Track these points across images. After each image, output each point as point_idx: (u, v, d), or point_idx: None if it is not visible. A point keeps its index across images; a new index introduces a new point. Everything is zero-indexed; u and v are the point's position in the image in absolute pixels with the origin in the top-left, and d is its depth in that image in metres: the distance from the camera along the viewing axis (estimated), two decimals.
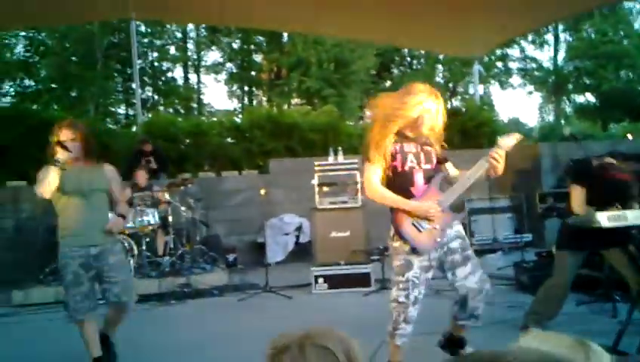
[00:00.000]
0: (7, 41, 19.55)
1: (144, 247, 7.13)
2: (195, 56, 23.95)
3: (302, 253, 8.46)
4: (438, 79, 24.47)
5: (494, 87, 25.68)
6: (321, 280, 6.36)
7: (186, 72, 23.97)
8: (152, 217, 7.17)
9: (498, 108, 25.06)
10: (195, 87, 24.07)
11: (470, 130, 11.22)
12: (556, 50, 24.16)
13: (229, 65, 23.76)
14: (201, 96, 24.38)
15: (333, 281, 6.35)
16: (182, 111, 22.58)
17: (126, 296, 3.79)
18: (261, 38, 22.10)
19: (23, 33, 19.43)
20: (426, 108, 3.09)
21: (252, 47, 22.99)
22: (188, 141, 10.82)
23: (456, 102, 22.66)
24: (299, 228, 8.80)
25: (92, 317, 3.73)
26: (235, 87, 24.26)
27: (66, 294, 3.69)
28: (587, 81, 23.29)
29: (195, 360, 4.21)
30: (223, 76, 23.81)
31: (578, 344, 0.85)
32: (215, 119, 15.14)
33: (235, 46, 23.29)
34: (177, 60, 23.23)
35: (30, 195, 3.77)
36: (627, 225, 3.63)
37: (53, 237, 3.80)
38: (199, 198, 8.24)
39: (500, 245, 8.13)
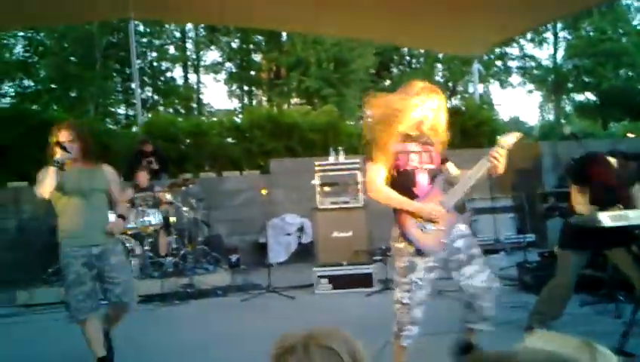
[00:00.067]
0: (6, 42, 19.52)
1: (147, 248, 7.14)
2: (194, 56, 23.93)
3: (304, 253, 8.47)
4: (438, 78, 24.45)
5: (494, 86, 25.70)
6: (323, 280, 6.37)
7: (185, 72, 23.95)
8: (154, 217, 7.18)
9: (498, 107, 25.01)
10: (195, 86, 24.06)
11: (470, 130, 11.22)
12: (555, 49, 24.18)
13: (228, 64, 23.74)
14: (201, 96, 24.38)
15: (336, 282, 6.36)
16: (182, 111, 22.56)
17: (127, 296, 3.82)
18: (260, 37, 22.07)
19: (22, 33, 19.40)
20: (428, 107, 3.08)
21: (251, 46, 22.97)
22: (188, 141, 10.81)
23: (455, 102, 22.65)
24: (301, 229, 8.81)
25: (95, 317, 3.73)
26: (234, 87, 24.24)
27: (67, 294, 3.69)
28: (587, 80, 23.29)
29: (198, 361, 4.21)
30: (222, 76, 23.81)
31: (584, 345, 0.85)
32: (215, 119, 15.13)
33: (234, 45, 23.26)
34: (176, 60, 23.19)
35: (31, 196, 3.77)
36: (630, 225, 3.62)
37: (55, 237, 3.82)
38: (201, 198, 8.24)
39: (503, 245, 8.12)
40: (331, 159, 7.24)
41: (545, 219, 8.04)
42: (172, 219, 7.55)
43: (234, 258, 8.12)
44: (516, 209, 8.78)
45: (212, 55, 24.41)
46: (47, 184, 3.54)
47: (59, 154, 3.57)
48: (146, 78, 21.59)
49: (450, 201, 3.08)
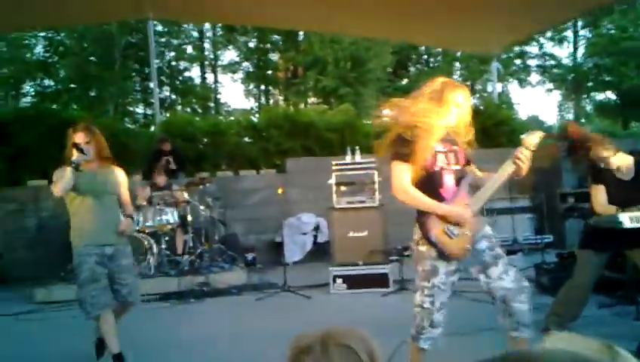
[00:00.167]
0: (26, 42, 19.82)
1: (163, 246, 7.21)
2: (212, 56, 24.08)
3: (320, 252, 8.47)
4: (456, 77, 24.30)
5: (513, 85, 25.45)
6: (339, 280, 6.36)
7: (203, 72, 24.11)
8: (171, 216, 7.24)
9: (517, 107, 24.74)
10: (212, 86, 24.21)
11: (489, 129, 11.10)
12: (575, 47, 23.86)
13: (245, 64, 23.84)
14: (218, 96, 24.54)
15: (352, 281, 6.34)
16: (199, 110, 22.73)
17: (132, 296, 3.98)
18: (277, 36, 22.12)
19: (43, 34, 19.69)
20: (459, 113, 2.97)
21: (268, 46, 23.03)
22: (206, 140, 10.88)
23: (474, 101, 22.47)
24: (316, 228, 8.81)
25: (109, 312, 3.80)
26: (251, 86, 24.34)
27: (81, 291, 3.77)
28: (607, 79, 22.95)
29: (212, 359, 4.23)
30: (239, 75, 23.92)
31: (605, 347, 0.83)
32: (232, 118, 15.20)
33: (251, 45, 23.35)
34: (194, 60, 23.36)
35: (51, 194, 3.88)
36: None
37: None
38: (218, 197, 8.29)
39: (520, 246, 8.03)
40: (348, 158, 7.21)
41: (563, 219, 7.94)
42: (189, 218, 7.60)
43: (250, 257, 8.15)
44: (534, 209, 8.68)
45: (229, 54, 24.55)
46: (63, 183, 3.66)
47: (75, 155, 3.68)
48: (164, 78, 21.77)
49: (476, 205, 2.99)
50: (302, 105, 18.70)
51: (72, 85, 20.55)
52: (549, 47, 24.38)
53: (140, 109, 22.83)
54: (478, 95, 24.01)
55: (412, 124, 2.92)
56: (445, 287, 2.99)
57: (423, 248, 3.00)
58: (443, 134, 2.98)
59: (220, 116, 20.25)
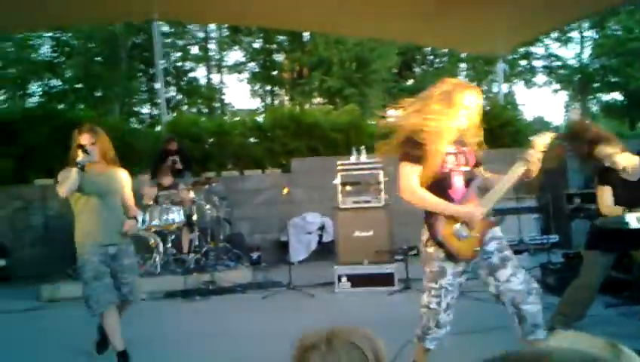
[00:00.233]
0: (33, 42, 19.92)
1: (169, 245, 7.24)
2: (217, 56, 24.12)
3: (325, 252, 8.47)
4: (462, 78, 24.27)
5: (518, 86, 25.38)
6: (344, 279, 6.36)
7: (208, 72, 24.16)
8: (177, 215, 7.26)
9: (523, 107, 24.65)
10: (218, 86, 24.26)
11: (494, 130, 11.09)
12: (582, 48, 23.79)
13: (250, 64, 23.88)
14: (224, 96, 24.57)
15: (357, 281, 6.34)
16: (205, 110, 22.77)
17: (133, 295, 4.05)
18: (282, 37, 22.15)
19: (49, 34, 19.78)
20: (469, 115, 2.94)
21: (274, 46, 23.06)
22: (211, 140, 10.91)
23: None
24: (322, 228, 8.82)
25: (113, 309, 3.86)
26: (257, 87, 24.37)
27: (87, 288, 3.82)
28: (614, 79, 22.87)
29: (218, 356, 4.24)
30: (245, 76, 23.95)
31: (609, 346, 0.84)
32: (238, 119, 15.23)
33: (256, 46, 23.38)
34: (200, 60, 23.43)
35: (57, 194, 3.92)
36: None
37: None
38: (223, 197, 8.31)
39: (526, 246, 8.00)
40: (353, 158, 7.21)
41: (570, 220, 7.92)
42: (195, 217, 7.63)
43: (255, 255, 8.17)
44: (541, 209, 8.66)
45: (235, 55, 24.58)
46: (68, 184, 3.72)
47: (80, 156, 3.74)
48: (169, 78, 21.84)
49: (485, 207, 2.95)
50: (307, 106, 18.70)
51: (79, 85, 20.65)
52: (555, 47, 24.34)
53: (145, 109, 22.92)
54: (483, 96, 23.92)
55: (421, 126, 2.90)
56: (452, 288, 2.98)
57: (431, 249, 2.99)
58: (453, 136, 2.95)
59: (225, 116, 20.31)
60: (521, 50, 22.47)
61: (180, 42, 22.74)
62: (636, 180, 3.85)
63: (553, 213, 8.49)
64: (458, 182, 2.98)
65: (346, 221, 6.73)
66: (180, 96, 23.11)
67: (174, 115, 17.84)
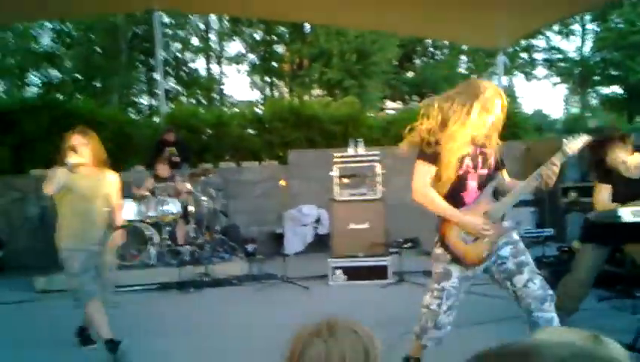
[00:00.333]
0: (33, 32, 19.87)
1: (165, 236, 7.24)
2: (217, 47, 24.06)
3: (320, 244, 8.48)
4: (462, 70, 24.19)
5: (519, 79, 25.33)
6: (338, 271, 6.37)
7: (208, 63, 24.12)
8: (173, 206, 7.27)
9: (523, 100, 24.57)
10: (217, 77, 24.20)
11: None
12: (583, 41, 23.69)
13: (251, 56, 23.82)
14: (223, 87, 24.53)
15: (351, 273, 6.36)
16: (204, 102, 22.74)
17: (107, 290, 4.18)
18: (283, 29, 22.07)
19: (49, 24, 19.73)
20: (490, 119, 2.87)
21: (274, 38, 22.99)
22: (210, 132, 10.90)
23: None
24: (317, 220, 8.82)
25: (98, 300, 3.95)
26: (256, 78, 24.32)
27: (74, 280, 3.93)
28: (614, 73, 22.79)
29: (212, 348, 4.25)
30: (244, 67, 23.91)
31: (591, 336, 0.84)
32: (237, 110, 15.22)
33: (257, 37, 23.31)
34: (200, 51, 23.37)
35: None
36: None
37: None
38: (220, 188, 8.31)
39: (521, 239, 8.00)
40: (350, 151, 7.20)
41: (565, 213, 7.92)
42: (191, 209, 7.63)
43: (250, 247, 8.18)
44: (536, 203, 8.66)
45: (235, 46, 24.59)
46: (55, 183, 3.80)
47: (71, 156, 3.83)
48: (169, 69, 21.80)
49: (498, 212, 2.89)
50: (306, 97, 18.66)
51: (78, 76, 20.62)
52: (557, 40, 24.25)
53: (144, 100, 22.89)
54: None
55: (435, 130, 2.86)
56: (456, 291, 2.96)
57: (439, 251, 2.98)
58: (469, 139, 2.88)
59: (224, 108, 20.28)
60: (522, 42, 22.40)
61: (181, 33, 22.69)
62: (638, 178, 3.85)
63: (549, 206, 8.49)
64: (472, 184, 2.92)
65: (341, 213, 6.73)
66: (179, 87, 23.08)
67: (173, 105, 17.83)
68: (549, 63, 24.57)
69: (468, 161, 2.89)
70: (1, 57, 19.51)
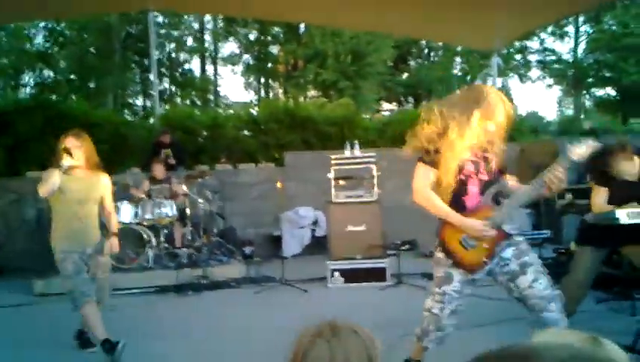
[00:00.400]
0: (26, 32, 19.76)
1: (162, 239, 7.23)
2: (212, 48, 24.01)
3: (318, 246, 8.48)
4: (456, 71, 24.26)
5: (513, 80, 25.40)
6: (336, 273, 6.37)
7: (202, 64, 24.06)
8: (169, 209, 7.25)
9: (516, 102, 24.63)
10: (212, 78, 24.16)
11: None
12: (577, 43, 23.81)
13: (245, 56, 23.79)
14: (218, 88, 24.49)
15: (349, 275, 6.36)
16: (199, 102, 22.69)
17: (104, 293, 4.21)
18: (278, 29, 22.06)
19: (43, 24, 19.62)
20: (492, 128, 2.85)
21: (269, 38, 22.98)
22: (205, 133, 10.88)
23: None
24: (315, 222, 8.82)
25: (93, 301, 3.95)
26: (251, 79, 24.30)
27: (69, 282, 3.94)
28: (607, 75, 22.91)
29: (210, 351, 4.25)
30: (239, 68, 23.87)
31: (590, 338, 0.85)
32: (232, 112, 15.21)
33: (251, 37, 23.29)
34: (194, 52, 23.31)
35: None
36: None
37: None
38: (216, 191, 8.29)
39: None
40: (347, 153, 7.21)
41: (561, 215, 7.96)
42: (188, 211, 7.62)
43: (248, 250, 8.17)
44: (532, 205, 8.68)
45: (230, 47, 24.53)
46: (49, 185, 3.81)
47: (65, 159, 3.84)
48: (163, 70, 21.73)
49: (500, 217, 2.85)
50: (301, 99, 18.67)
51: (72, 76, 20.53)
52: (550, 42, 24.36)
53: (139, 101, 22.82)
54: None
55: (434, 138, 2.86)
56: (458, 296, 2.96)
57: (440, 254, 2.98)
58: (469, 146, 2.86)
59: (219, 109, 20.25)
60: (516, 44, 22.49)
61: (175, 33, 22.62)
62: (635, 180, 3.87)
63: (545, 208, 8.53)
64: (473, 189, 2.91)
65: (338, 215, 6.74)
66: (173, 88, 23.02)
67: (168, 107, 17.78)
68: (543, 65, 24.68)
69: (469, 166, 2.89)
70: None
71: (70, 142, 3.94)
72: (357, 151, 7.18)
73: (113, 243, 4.22)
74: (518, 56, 24.52)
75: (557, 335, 0.93)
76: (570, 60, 24.01)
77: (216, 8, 14.05)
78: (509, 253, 2.90)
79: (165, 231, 7.31)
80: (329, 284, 6.35)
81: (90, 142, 4.08)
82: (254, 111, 14.70)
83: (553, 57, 24.40)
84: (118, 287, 5.78)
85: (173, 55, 23.02)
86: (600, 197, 3.95)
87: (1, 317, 5.67)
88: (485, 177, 2.92)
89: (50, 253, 4.04)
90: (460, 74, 24.12)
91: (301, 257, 8.51)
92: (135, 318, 5.28)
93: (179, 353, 4.21)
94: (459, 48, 22.23)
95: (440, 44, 22.85)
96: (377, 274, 6.31)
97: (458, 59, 24.45)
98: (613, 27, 22.24)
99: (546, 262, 5.77)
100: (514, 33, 12.13)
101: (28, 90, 20.42)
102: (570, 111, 26.14)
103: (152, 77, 13.35)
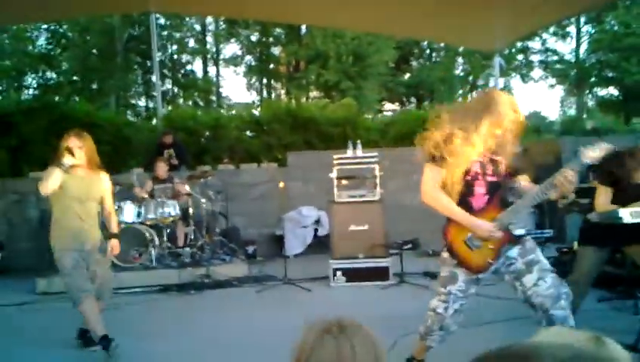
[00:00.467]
0: (29, 34, 19.81)
1: (165, 238, 7.24)
2: (214, 49, 24.05)
3: (320, 245, 8.48)
4: (458, 72, 24.25)
5: (515, 80, 25.38)
6: (339, 273, 6.37)
7: (205, 65, 24.09)
8: (172, 209, 7.26)
9: (518, 102, 24.56)
10: (214, 79, 24.19)
11: None
12: (578, 43, 23.78)
13: (247, 57, 23.82)
14: (220, 89, 24.52)
15: (352, 274, 6.36)
16: (201, 103, 22.71)
17: (105, 289, 4.21)
18: (280, 30, 22.08)
19: (45, 26, 19.68)
20: (508, 133, 2.84)
21: (271, 39, 22.99)
22: (207, 134, 10.90)
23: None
24: (317, 221, 8.82)
25: (93, 297, 3.98)
26: (253, 80, 24.32)
27: (67, 278, 3.97)
28: (610, 74, 22.87)
29: (213, 350, 4.25)
30: (241, 69, 23.91)
31: (593, 337, 0.85)
32: (234, 112, 15.23)
33: (253, 38, 23.31)
34: (196, 53, 23.34)
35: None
36: None
37: None
38: (219, 191, 8.30)
39: None
40: (349, 152, 7.21)
41: (564, 214, 7.95)
42: (190, 211, 7.63)
43: (250, 249, 8.18)
44: (536, 204, 8.68)
45: (232, 48, 24.52)
46: (50, 183, 3.86)
47: (66, 158, 3.89)
48: (166, 71, 21.75)
49: (507, 219, 2.85)
50: (303, 99, 18.68)
51: (75, 78, 20.56)
52: (552, 42, 24.33)
53: (141, 102, 22.85)
54: (480, 90, 23.94)
55: (441, 145, 2.85)
56: (463, 295, 2.97)
57: (446, 254, 3.00)
58: (481, 147, 2.85)
59: (221, 109, 20.28)
60: (518, 44, 22.46)
61: (177, 35, 22.64)
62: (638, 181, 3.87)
63: (548, 207, 8.51)
64: (480, 190, 2.91)
65: (341, 215, 6.74)
66: (176, 89, 23.05)
67: (170, 107, 17.80)
68: (545, 65, 24.65)
69: (476, 168, 2.89)
70: None
71: (72, 141, 3.98)
72: (359, 151, 7.18)
73: (114, 245, 4.25)
74: (520, 57, 24.50)
75: (559, 334, 0.93)
76: (573, 60, 23.98)
77: (218, 10, 14.07)
78: (514, 251, 2.90)
79: (168, 230, 7.32)
80: (331, 283, 6.35)
81: (91, 142, 4.12)
82: (257, 112, 14.72)
83: (555, 57, 24.38)
84: (121, 286, 5.80)
85: (176, 56, 23.04)
86: (605, 196, 3.94)
87: (5, 316, 5.68)
88: (493, 179, 2.92)
89: (51, 252, 4.06)
90: (462, 74, 24.12)
91: (304, 256, 8.51)
92: (138, 317, 5.29)
93: (181, 352, 4.21)
94: (460, 49, 22.23)
95: (442, 44, 22.84)
96: (380, 274, 6.31)
97: (460, 60, 24.45)
98: (615, 27, 22.20)
99: (550, 261, 5.81)
100: (515, 34, 12.12)
101: (31, 91, 20.48)
102: (572, 111, 26.13)
103: (154, 78, 13.40)
